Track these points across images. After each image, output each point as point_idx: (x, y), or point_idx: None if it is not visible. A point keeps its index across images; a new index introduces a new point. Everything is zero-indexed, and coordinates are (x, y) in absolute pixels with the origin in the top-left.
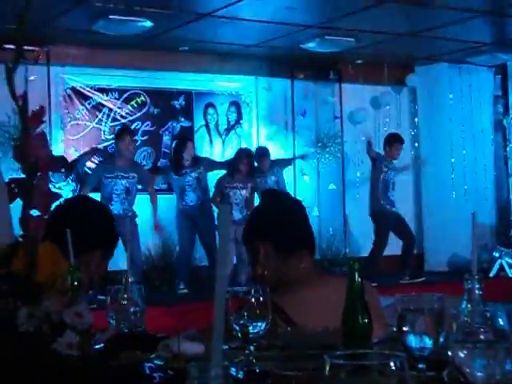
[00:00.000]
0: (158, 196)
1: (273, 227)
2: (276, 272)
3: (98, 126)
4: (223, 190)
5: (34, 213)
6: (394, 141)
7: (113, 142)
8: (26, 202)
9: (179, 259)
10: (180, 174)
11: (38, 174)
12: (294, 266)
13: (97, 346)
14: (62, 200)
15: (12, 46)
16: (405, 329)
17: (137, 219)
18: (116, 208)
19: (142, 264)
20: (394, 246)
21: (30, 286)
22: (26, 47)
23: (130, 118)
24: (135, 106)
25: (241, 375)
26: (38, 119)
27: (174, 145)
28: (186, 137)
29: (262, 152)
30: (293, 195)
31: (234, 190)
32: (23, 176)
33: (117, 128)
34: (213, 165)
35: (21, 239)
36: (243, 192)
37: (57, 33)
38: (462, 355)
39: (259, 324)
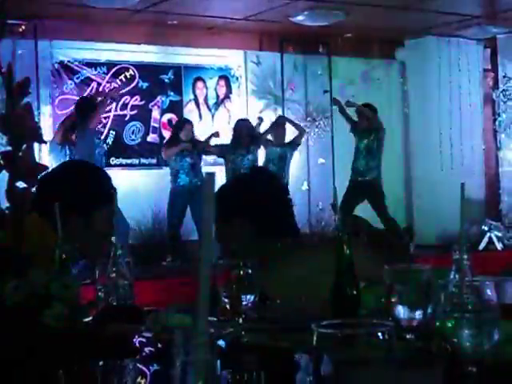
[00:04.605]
0: (148, 171)
1: (253, 205)
2: (251, 249)
3: None
4: (228, 158)
5: (21, 185)
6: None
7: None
8: (11, 173)
9: (168, 233)
10: (176, 157)
11: (24, 145)
12: (271, 244)
13: (85, 319)
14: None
15: None
16: (393, 300)
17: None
18: None
19: (127, 234)
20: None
21: (16, 259)
22: (12, 21)
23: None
24: (124, 80)
25: (229, 347)
26: (24, 90)
27: (173, 125)
28: (185, 119)
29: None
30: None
31: (240, 157)
32: (9, 148)
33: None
34: (208, 149)
35: (7, 211)
36: (250, 156)
37: (45, 6)
38: (449, 325)
39: (248, 296)
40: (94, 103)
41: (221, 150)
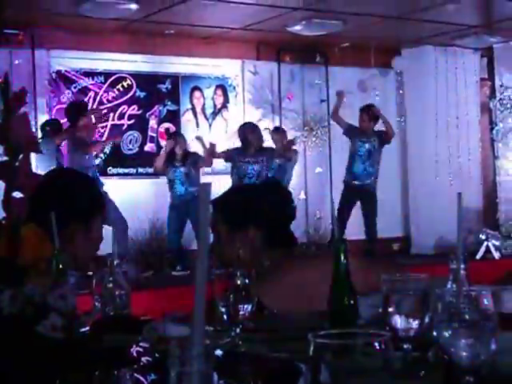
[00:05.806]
0: (145, 180)
1: (259, 216)
2: (256, 259)
3: None
4: (236, 164)
5: (17, 195)
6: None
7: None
8: (8, 183)
9: (169, 244)
10: (170, 168)
11: (21, 155)
12: (272, 254)
13: (82, 329)
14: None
15: None
16: (390, 310)
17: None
18: None
19: (126, 230)
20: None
21: (13, 269)
22: (10, 31)
23: (116, 102)
24: (121, 89)
25: (226, 357)
26: (20, 100)
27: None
28: (177, 132)
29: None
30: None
31: (246, 165)
32: (6, 158)
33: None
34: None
35: (3, 221)
36: (256, 166)
37: (42, 16)
38: (447, 335)
39: (245, 306)
40: (84, 106)
41: (229, 155)
